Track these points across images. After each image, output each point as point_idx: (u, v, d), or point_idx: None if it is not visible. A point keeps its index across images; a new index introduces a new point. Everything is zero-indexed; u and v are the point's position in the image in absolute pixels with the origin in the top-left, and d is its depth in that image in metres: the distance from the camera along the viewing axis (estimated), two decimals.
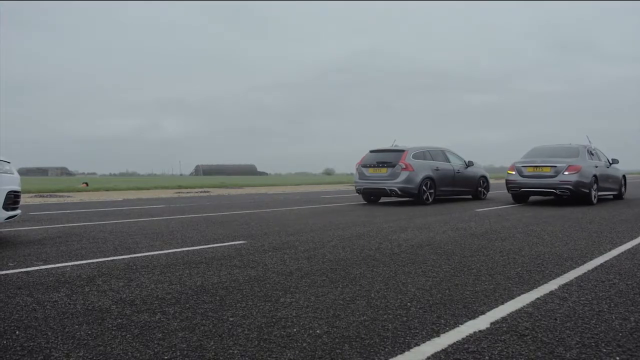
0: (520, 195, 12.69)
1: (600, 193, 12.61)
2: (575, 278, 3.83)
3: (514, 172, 12.58)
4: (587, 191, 11.75)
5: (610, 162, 13.58)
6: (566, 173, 11.70)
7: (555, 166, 11.92)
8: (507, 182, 12.76)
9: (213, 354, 2.30)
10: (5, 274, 4.09)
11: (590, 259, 4.63)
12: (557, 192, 11.82)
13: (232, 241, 5.96)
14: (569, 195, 11.79)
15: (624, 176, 14.38)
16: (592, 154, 12.71)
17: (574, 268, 4.21)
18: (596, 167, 12.30)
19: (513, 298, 3.24)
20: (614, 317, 2.82)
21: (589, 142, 13.36)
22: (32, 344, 2.44)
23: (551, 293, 3.37)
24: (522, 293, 3.37)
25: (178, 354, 2.30)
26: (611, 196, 14.13)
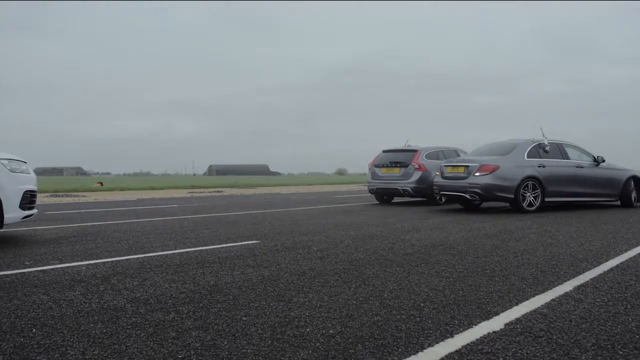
0: (452, 199, 10.97)
1: (570, 199, 10.62)
2: (591, 279, 3.78)
3: (438, 174, 11.18)
4: (511, 196, 9.81)
5: (597, 160, 11.05)
6: (477, 174, 10.01)
7: (468, 166, 10.29)
8: (433, 185, 11.47)
9: (227, 353, 2.31)
10: (22, 273, 4.14)
11: (606, 260, 4.57)
12: (468, 196, 10.15)
13: (245, 241, 5.98)
14: (480, 200, 10.30)
15: (632, 177, 11.42)
16: (545, 151, 10.50)
17: (589, 269, 4.17)
18: (542, 166, 10.16)
19: (527, 299, 3.21)
20: (630, 319, 2.78)
21: (544, 136, 10.94)
22: (48, 341, 2.47)
23: (566, 294, 3.34)
24: (537, 294, 3.34)
25: (192, 352, 2.31)
26: (618, 202, 11.59)
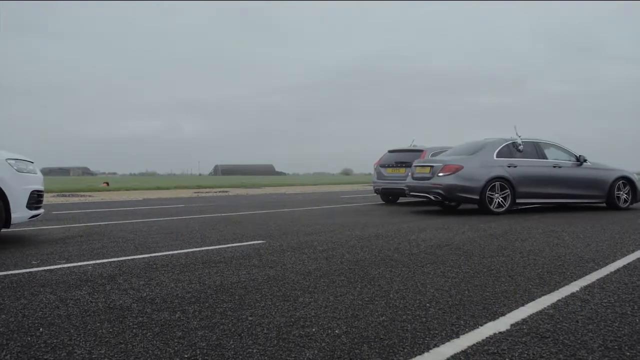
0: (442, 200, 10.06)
1: (547, 201, 10.10)
2: (597, 280, 3.77)
3: (410, 174, 10.95)
4: (476, 197, 9.45)
5: (579, 159, 10.42)
6: (440, 174, 9.72)
7: (433, 166, 10.02)
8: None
9: (232, 352, 2.31)
10: (30, 272, 4.16)
11: (613, 261, 4.55)
12: (431, 197, 9.86)
13: (251, 241, 5.99)
14: (442, 201, 9.97)
15: (623, 178, 10.67)
16: (519, 151, 10.02)
17: (595, 269, 4.15)
18: (513, 166, 9.71)
19: (534, 299, 3.20)
20: (637, 320, 2.77)
21: (517, 135, 10.45)
22: (55, 340, 2.48)
23: (572, 295, 3.32)
24: (543, 294, 3.33)
25: (198, 352, 2.32)
26: (604, 204, 10.79)
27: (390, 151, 13.54)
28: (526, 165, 9.91)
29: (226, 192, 23.02)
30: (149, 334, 2.58)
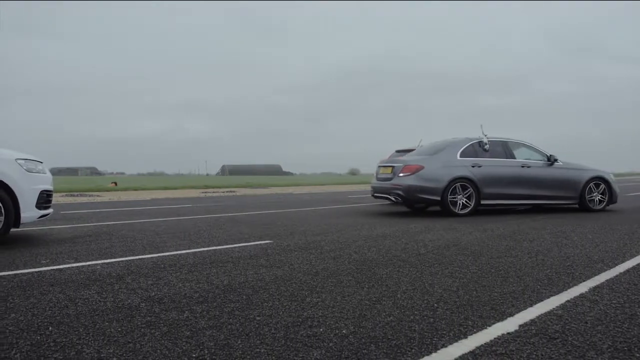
0: (410, 202, 9.72)
1: (515, 202, 9.69)
2: (607, 280, 3.74)
3: (375, 175, 10.72)
4: (437, 198, 9.13)
5: (550, 159, 10.03)
6: (400, 175, 9.39)
7: (394, 167, 9.73)
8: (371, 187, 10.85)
9: (240, 352, 2.32)
10: (39, 271, 4.19)
11: (622, 262, 4.52)
12: (392, 198, 9.58)
13: (258, 241, 6.00)
14: (403, 203, 9.67)
15: (598, 178, 10.20)
16: (485, 150, 9.67)
17: (604, 270, 4.12)
18: (477, 166, 9.36)
19: (542, 300, 3.19)
20: None
21: (483, 133, 10.06)
22: (64, 339, 2.50)
23: (581, 296, 3.30)
24: (552, 295, 3.31)
25: (206, 352, 2.33)
26: (577, 205, 10.24)
27: (397, 151, 13.50)
28: (492, 165, 9.57)
29: (233, 192, 23.07)
30: (157, 333, 2.59)
